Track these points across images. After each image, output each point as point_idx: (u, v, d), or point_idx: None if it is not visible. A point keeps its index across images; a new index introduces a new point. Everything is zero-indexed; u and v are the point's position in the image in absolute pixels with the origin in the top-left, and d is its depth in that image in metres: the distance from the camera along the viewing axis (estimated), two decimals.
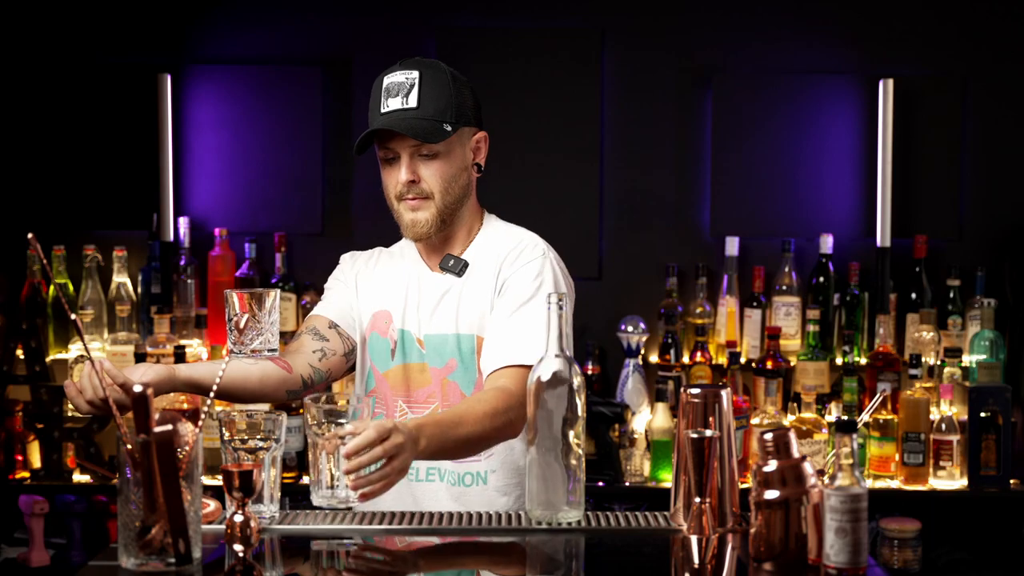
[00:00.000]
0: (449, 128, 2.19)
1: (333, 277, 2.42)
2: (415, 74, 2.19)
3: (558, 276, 2.24)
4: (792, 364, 3.61)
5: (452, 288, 2.27)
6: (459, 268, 2.27)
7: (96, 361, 1.91)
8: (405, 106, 2.18)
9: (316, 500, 1.97)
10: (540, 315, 2.03)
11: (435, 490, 2.25)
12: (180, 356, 3.42)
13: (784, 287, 3.69)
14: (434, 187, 2.22)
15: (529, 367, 1.97)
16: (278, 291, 2.16)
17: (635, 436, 3.52)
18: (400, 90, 2.19)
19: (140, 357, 3.45)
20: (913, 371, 3.43)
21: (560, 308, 1.94)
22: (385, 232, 4.21)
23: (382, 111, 2.20)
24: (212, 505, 2.02)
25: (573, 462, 1.93)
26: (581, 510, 1.96)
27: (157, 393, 2.02)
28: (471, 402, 2.12)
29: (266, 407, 3.37)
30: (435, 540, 1.95)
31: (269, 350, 2.12)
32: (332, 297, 2.38)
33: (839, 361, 3.66)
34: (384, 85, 2.21)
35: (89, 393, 1.97)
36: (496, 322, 2.20)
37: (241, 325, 2.09)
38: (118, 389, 1.96)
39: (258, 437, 1.95)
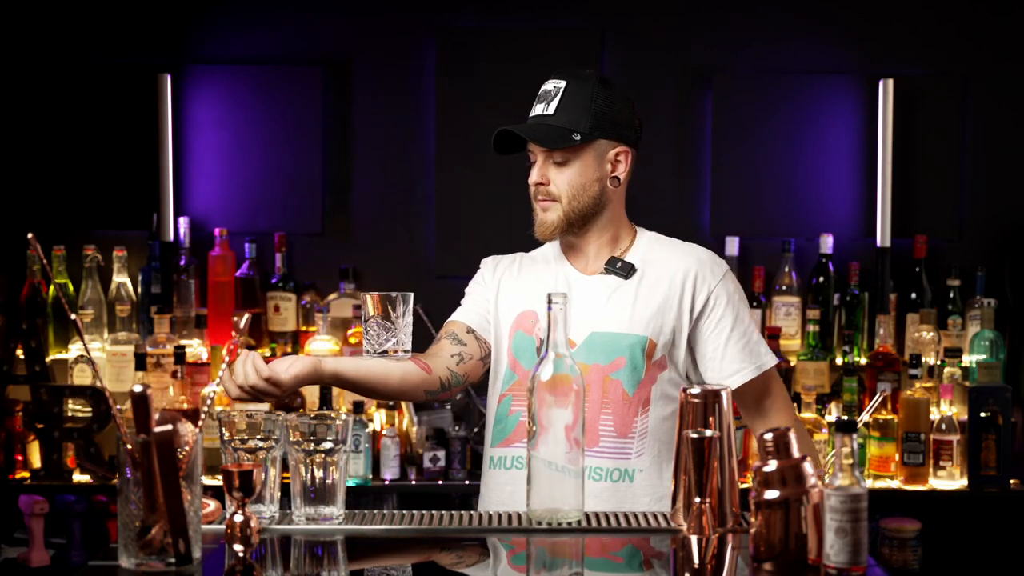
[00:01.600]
0: (578, 137, 2.25)
1: (474, 282, 2.47)
2: (563, 83, 2.29)
3: (739, 288, 2.36)
4: (792, 364, 3.61)
5: (622, 288, 2.31)
6: (627, 270, 2.32)
7: (250, 353, 2.04)
8: (544, 112, 2.28)
9: (298, 518, 1.97)
10: (750, 326, 2.31)
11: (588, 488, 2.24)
12: (180, 356, 3.42)
13: (784, 287, 3.69)
14: (561, 192, 2.28)
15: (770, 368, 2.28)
16: (412, 295, 2.21)
17: None
18: (546, 97, 2.30)
19: (140, 357, 3.45)
20: (913, 371, 3.43)
21: (562, 309, 1.95)
22: (385, 232, 4.22)
23: (530, 115, 2.31)
24: (212, 505, 2.02)
25: (573, 462, 1.93)
26: (581, 510, 1.96)
27: (302, 385, 2.14)
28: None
29: (266, 407, 3.38)
30: (435, 540, 1.96)
31: (403, 351, 2.18)
32: (470, 303, 2.43)
33: (839, 361, 3.66)
34: (540, 92, 2.32)
35: (241, 379, 2.05)
36: (715, 339, 2.29)
37: (375, 326, 2.17)
38: (263, 382, 2.05)
39: (258, 437, 1.95)
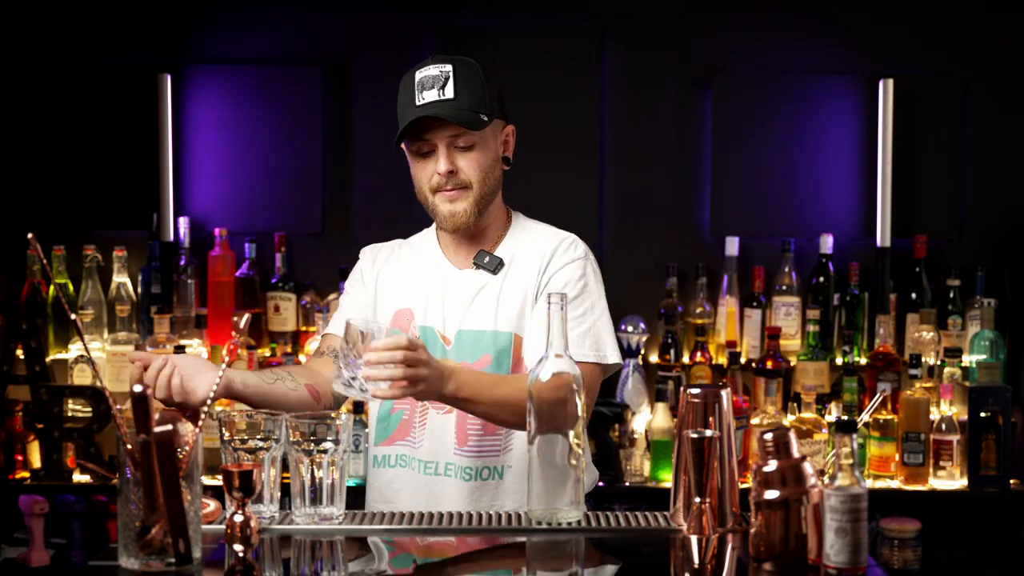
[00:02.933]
0: (485, 119, 2.23)
1: (353, 278, 2.41)
2: (448, 67, 2.22)
3: (598, 279, 2.31)
4: (792, 364, 3.61)
5: (488, 285, 2.29)
6: (494, 265, 2.30)
7: (169, 362, 2.01)
8: (443, 97, 2.20)
9: (297, 518, 1.97)
10: (584, 314, 2.23)
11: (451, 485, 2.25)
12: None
13: (784, 287, 3.69)
14: (472, 177, 2.24)
15: (584, 362, 2.11)
16: (387, 327, 2.14)
17: (635, 436, 3.52)
18: (435, 83, 2.21)
19: None
20: (913, 371, 3.43)
21: (561, 309, 1.94)
22: (385, 232, 4.20)
23: (417, 103, 2.21)
24: (212, 505, 2.02)
25: (573, 462, 1.93)
26: (581, 510, 1.96)
27: (215, 399, 2.03)
28: (517, 376, 2.19)
29: None
30: (434, 540, 1.96)
31: (361, 390, 2.03)
32: (349, 309, 2.38)
33: (839, 361, 3.66)
34: (417, 79, 2.22)
35: (150, 389, 2.00)
36: (540, 319, 2.20)
37: (348, 359, 2.02)
38: (176, 402, 2.02)
39: (258, 437, 1.95)
